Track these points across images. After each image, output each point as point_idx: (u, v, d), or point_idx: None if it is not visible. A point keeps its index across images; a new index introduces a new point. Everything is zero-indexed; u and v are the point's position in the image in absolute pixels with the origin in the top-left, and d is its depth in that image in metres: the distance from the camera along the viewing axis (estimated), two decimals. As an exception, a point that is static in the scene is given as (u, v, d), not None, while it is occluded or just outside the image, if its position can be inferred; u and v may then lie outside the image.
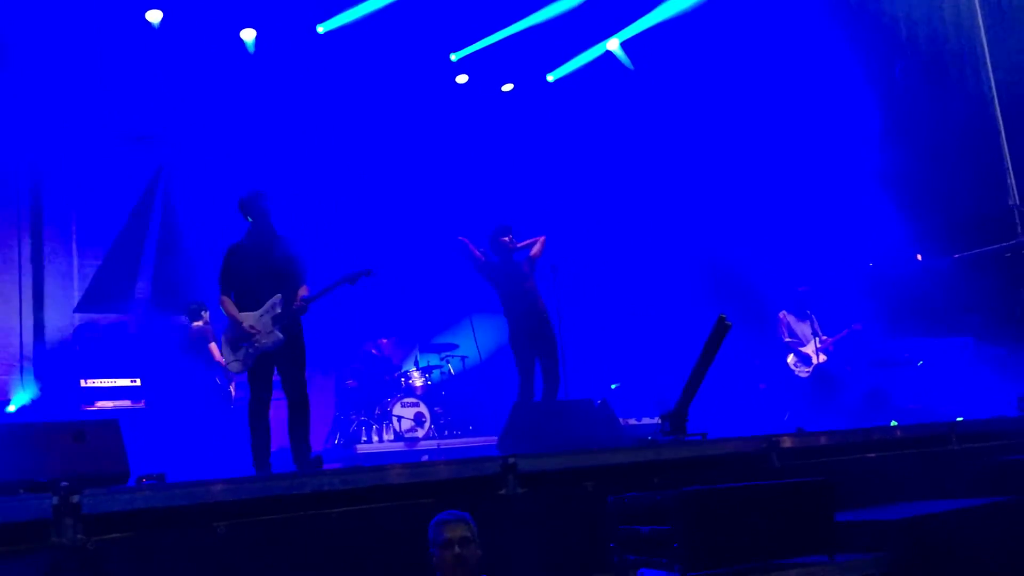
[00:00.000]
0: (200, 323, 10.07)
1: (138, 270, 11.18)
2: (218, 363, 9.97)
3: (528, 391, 8.16)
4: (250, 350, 6.40)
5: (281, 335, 6.39)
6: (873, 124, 11.19)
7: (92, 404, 9.36)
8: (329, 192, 11.90)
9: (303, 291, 6.59)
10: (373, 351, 11.28)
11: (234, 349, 6.48)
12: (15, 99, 10.37)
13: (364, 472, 4.59)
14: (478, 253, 8.46)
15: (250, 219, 6.67)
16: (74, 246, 10.94)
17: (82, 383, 9.43)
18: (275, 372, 6.51)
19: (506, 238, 8.48)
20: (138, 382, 9.63)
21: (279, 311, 6.42)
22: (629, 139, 13.21)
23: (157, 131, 11.24)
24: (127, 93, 11.06)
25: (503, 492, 4.56)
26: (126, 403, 9.44)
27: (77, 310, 10.82)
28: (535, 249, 8.57)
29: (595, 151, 13.32)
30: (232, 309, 6.48)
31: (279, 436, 6.52)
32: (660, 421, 6.03)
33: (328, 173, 11.83)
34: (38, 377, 10.27)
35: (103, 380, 9.53)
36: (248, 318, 6.41)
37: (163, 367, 9.91)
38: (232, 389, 9.82)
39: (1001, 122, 10.49)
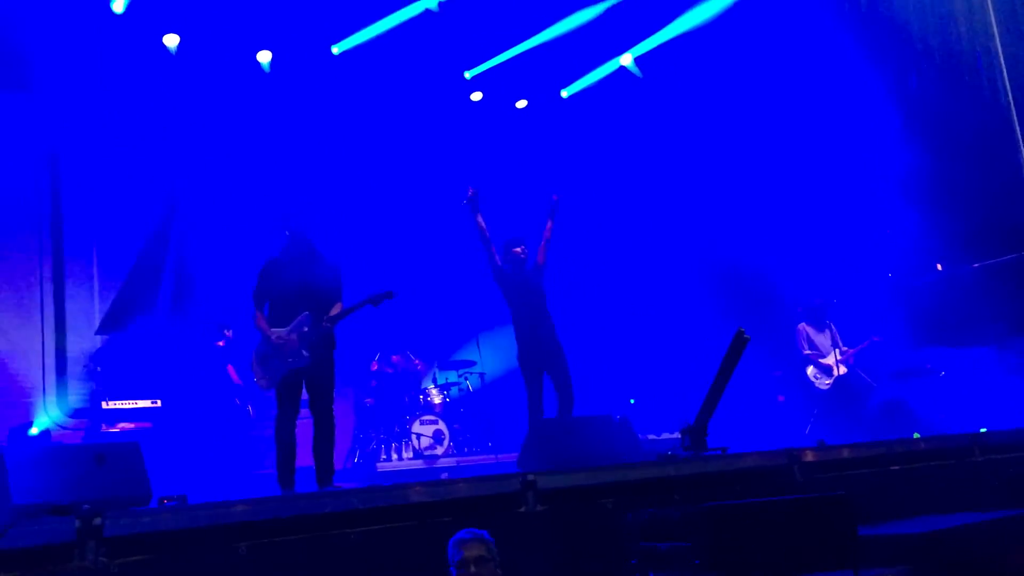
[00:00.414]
0: (222, 343, 10.15)
1: (158, 291, 11.25)
2: (236, 384, 10.03)
3: (537, 408, 8.13)
4: (278, 367, 6.42)
5: (307, 353, 6.40)
6: (890, 134, 11.16)
7: (114, 426, 9.42)
8: (344, 210, 11.96)
9: (334, 310, 6.62)
10: (388, 369, 11.30)
11: (263, 365, 6.50)
12: (36, 122, 10.51)
13: (384, 491, 4.59)
14: (483, 225, 8.36)
15: (288, 233, 6.70)
16: (95, 268, 11.04)
17: (104, 405, 9.48)
18: (303, 390, 6.54)
19: (518, 249, 8.46)
20: (159, 403, 9.68)
21: (306, 330, 6.44)
22: (645, 152, 13.22)
23: (175, 154, 11.33)
24: (146, 116, 11.16)
25: (523, 510, 4.56)
26: (147, 424, 9.49)
27: (99, 332, 10.90)
28: (540, 255, 8.55)
29: (611, 165, 13.33)
30: (263, 324, 6.52)
31: (303, 454, 6.53)
32: (680, 436, 6.01)
33: (342, 191, 11.88)
34: (60, 400, 10.35)
35: (124, 402, 9.58)
36: (277, 334, 6.44)
37: (183, 388, 9.96)
38: (250, 409, 9.86)
39: (1019, 130, 10.43)
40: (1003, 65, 10.45)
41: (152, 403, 9.62)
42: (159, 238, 11.41)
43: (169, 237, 11.44)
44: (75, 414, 10.26)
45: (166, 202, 11.41)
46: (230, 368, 9.83)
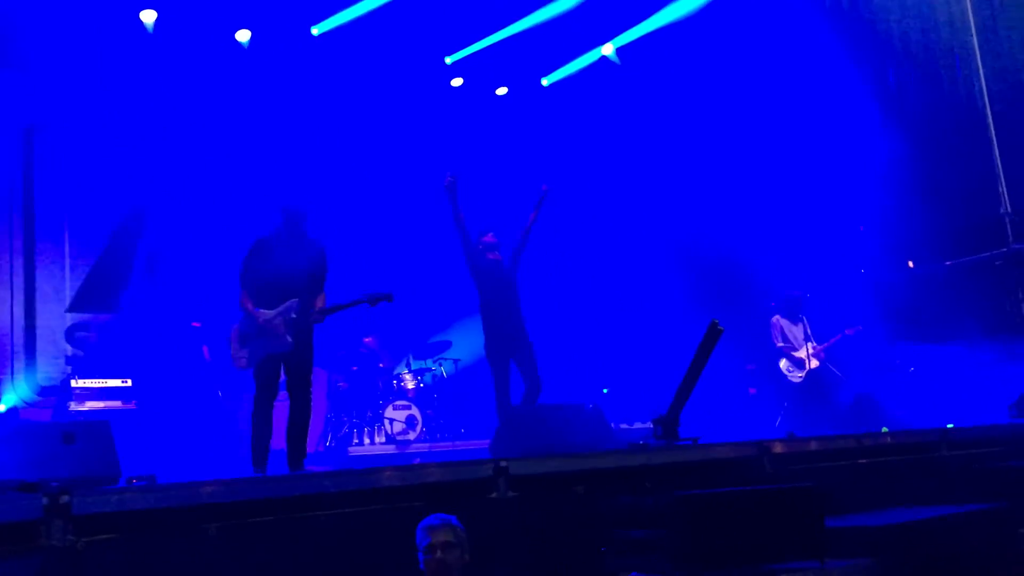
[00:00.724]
0: (197, 323, 10.06)
1: (131, 270, 11.14)
2: (207, 362, 9.92)
3: (504, 397, 8.13)
4: (259, 349, 6.37)
5: (291, 340, 6.36)
6: (868, 129, 11.24)
7: (83, 404, 9.32)
8: (322, 191, 11.88)
9: (321, 300, 6.55)
10: (361, 349, 11.27)
11: (243, 344, 6.43)
12: (11, 96, 10.35)
13: (355, 475, 4.58)
14: (460, 212, 8.29)
15: (281, 214, 6.63)
16: (66, 246, 10.91)
17: (73, 383, 9.38)
18: (281, 373, 6.50)
19: (489, 237, 8.42)
20: (129, 383, 9.59)
21: (294, 316, 6.38)
22: (623, 143, 13.23)
23: (151, 133, 11.20)
24: (123, 93, 11.01)
25: (494, 496, 4.56)
26: (117, 403, 9.40)
27: (69, 310, 10.79)
28: (520, 244, 8.52)
29: (589, 154, 13.34)
30: (249, 304, 6.45)
31: (277, 437, 6.50)
32: (652, 426, 6.04)
33: (320, 172, 11.80)
34: (28, 378, 10.24)
35: (94, 380, 9.48)
36: (263, 316, 6.37)
37: (155, 368, 9.87)
38: (219, 393, 9.76)
39: (993, 132, 10.53)
40: (979, 64, 10.54)
41: (123, 382, 9.53)
42: (133, 217, 11.29)
43: (143, 217, 11.32)
44: (43, 392, 10.15)
45: (140, 181, 11.28)
46: (205, 349, 9.75)
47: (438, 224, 11.26)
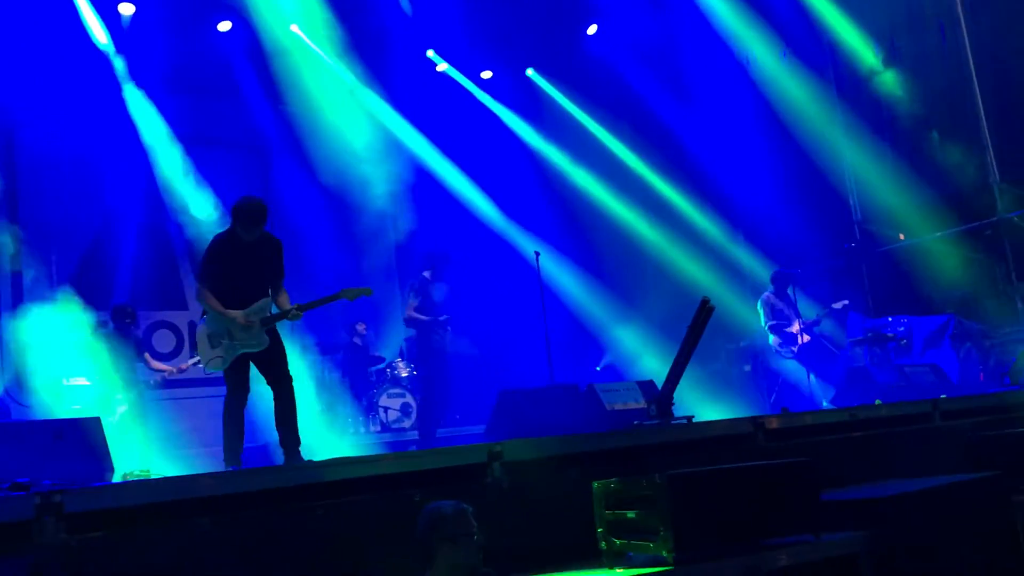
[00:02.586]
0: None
1: (117, 268, 11.09)
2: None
3: None
4: (231, 349, 6.30)
5: (267, 338, 6.31)
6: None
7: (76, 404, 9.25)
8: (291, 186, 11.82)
9: (284, 295, 6.46)
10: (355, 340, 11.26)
11: (213, 345, 6.30)
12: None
13: (349, 464, 4.57)
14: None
15: (237, 224, 6.31)
16: (53, 243, 10.83)
17: (63, 382, 9.32)
18: (250, 370, 6.42)
19: (425, 273, 8.93)
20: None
21: (268, 315, 6.32)
22: (612, 115, 13.29)
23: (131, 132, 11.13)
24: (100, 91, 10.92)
25: (489, 480, 4.56)
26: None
27: (57, 308, 10.72)
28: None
29: (569, 132, 13.41)
30: (216, 304, 6.26)
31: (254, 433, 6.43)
32: (646, 405, 6.05)
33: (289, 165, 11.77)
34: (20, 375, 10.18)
35: (83, 379, 9.41)
36: (237, 316, 6.27)
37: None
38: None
39: (980, 104, 10.54)
40: (967, 40, 10.54)
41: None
42: (121, 215, 11.22)
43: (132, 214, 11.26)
44: (38, 390, 10.08)
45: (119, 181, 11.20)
46: (147, 356, 9.64)
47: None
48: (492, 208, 13.19)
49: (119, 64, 11.04)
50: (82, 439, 4.94)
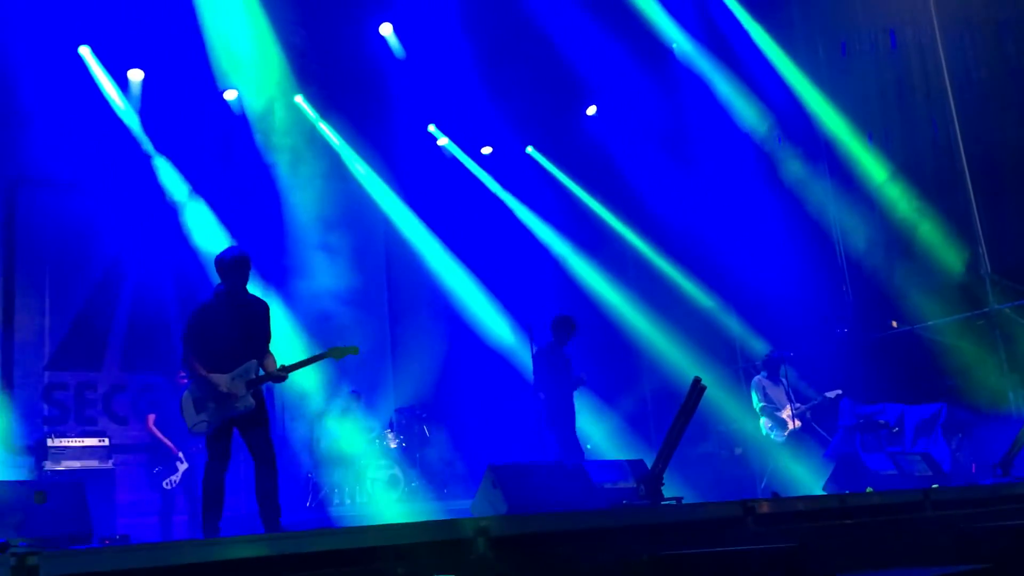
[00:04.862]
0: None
1: (110, 330, 11.07)
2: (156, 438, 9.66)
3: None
4: (216, 413, 6.26)
5: (252, 400, 6.29)
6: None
7: (59, 464, 9.17)
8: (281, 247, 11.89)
9: (270, 360, 6.46)
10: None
11: (198, 410, 6.29)
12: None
13: (332, 535, 4.50)
14: None
15: (223, 280, 6.46)
16: (47, 305, 10.83)
17: (49, 442, 9.25)
18: (233, 437, 6.36)
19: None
20: (106, 441, 9.46)
21: (253, 376, 6.31)
22: (607, 193, 13.45)
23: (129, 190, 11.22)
24: (101, 149, 11.02)
25: (474, 556, 4.48)
26: (94, 463, 9.25)
27: (47, 368, 10.68)
28: None
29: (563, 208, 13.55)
30: (200, 369, 6.29)
31: (237, 501, 6.36)
32: (636, 485, 5.99)
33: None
34: (4, 437, 10.08)
35: (71, 440, 9.35)
36: (222, 381, 6.28)
37: (132, 428, 9.75)
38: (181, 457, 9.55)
39: (972, 193, 10.69)
40: (959, 132, 10.72)
41: (100, 441, 9.40)
42: (112, 276, 11.23)
43: (123, 275, 11.27)
44: (20, 450, 9.99)
45: (120, 238, 11.25)
46: (150, 419, 9.60)
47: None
48: (483, 281, 13.26)
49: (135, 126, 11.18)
50: (64, 501, 4.87)
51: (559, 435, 9.07)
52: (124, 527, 8.43)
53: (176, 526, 8.90)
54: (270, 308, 6.60)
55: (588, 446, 12.12)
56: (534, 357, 9.05)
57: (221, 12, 10.38)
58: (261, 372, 6.38)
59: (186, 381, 9.74)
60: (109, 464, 9.38)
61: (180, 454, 9.20)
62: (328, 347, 6.60)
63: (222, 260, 6.42)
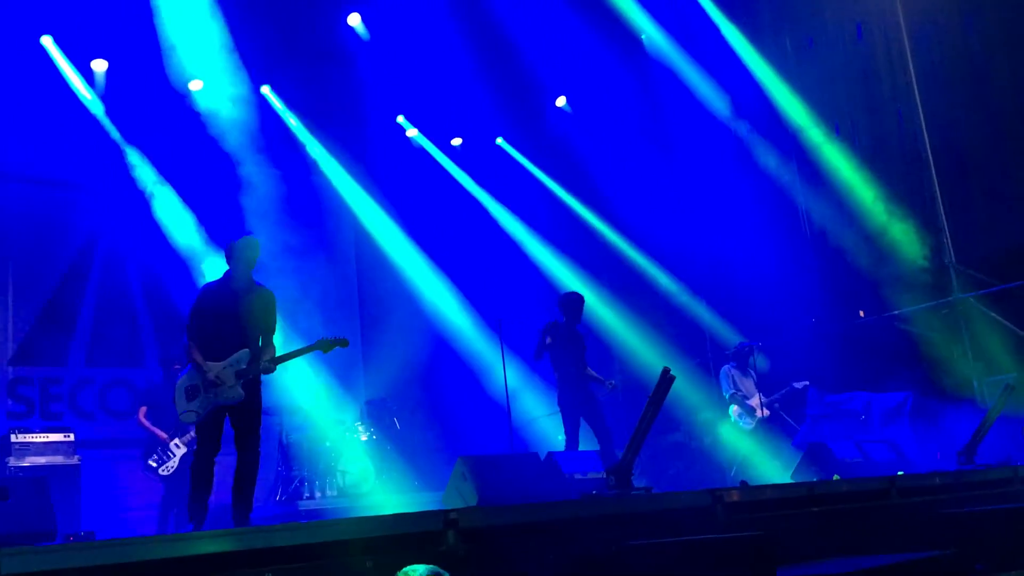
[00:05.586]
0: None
1: (76, 324, 10.92)
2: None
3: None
4: (207, 402, 6.21)
5: (242, 391, 6.23)
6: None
7: (23, 460, 9.02)
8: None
9: (271, 350, 6.40)
10: None
11: (190, 398, 6.23)
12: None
13: (300, 529, 4.48)
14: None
15: (229, 265, 6.40)
16: (10, 299, 10.66)
17: (13, 438, 9.10)
18: (223, 427, 6.32)
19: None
20: (71, 437, 9.31)
21: (244, 367, 6.25)
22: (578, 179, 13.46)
23: (94, 182, 11.06)
24: (63, 140, 10.84)
25: (444, 548, 4.48)
26: (59, 459, 9.12)
27: (11, 363, 10.53)
28: None
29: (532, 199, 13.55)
30: (198, 356, 6.24)
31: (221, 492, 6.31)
32: (606, 475, 6.00)
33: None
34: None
35: (36, 435, 9.21)
36: (213, 368, 6.21)
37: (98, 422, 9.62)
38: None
39: (936, 184, 10.81)
40: (922, 118, 10.83)
41: (65, 436, 9.26)
42: (78, 270, 11.07)
43: (90, 269, 11.12)
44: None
45: (87, 229, 11.09)
46: (142, 411, 9.46)
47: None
48: (453, 273, 13.23)
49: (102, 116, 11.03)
50: (27, 498, 4.81)
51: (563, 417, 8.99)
52: (123, 520, 8.34)
53: (175, 519, 8.75)
54: (275, 298, 6.52)
55: (560, 437, 12.15)
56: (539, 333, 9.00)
57: (182, 1, 10.25)
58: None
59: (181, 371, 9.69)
60: (75, 460, 9.23)
61: (176, 440, 9.07)
62: (317, 339, 6.54)
63: (228, 244, 6.41)
